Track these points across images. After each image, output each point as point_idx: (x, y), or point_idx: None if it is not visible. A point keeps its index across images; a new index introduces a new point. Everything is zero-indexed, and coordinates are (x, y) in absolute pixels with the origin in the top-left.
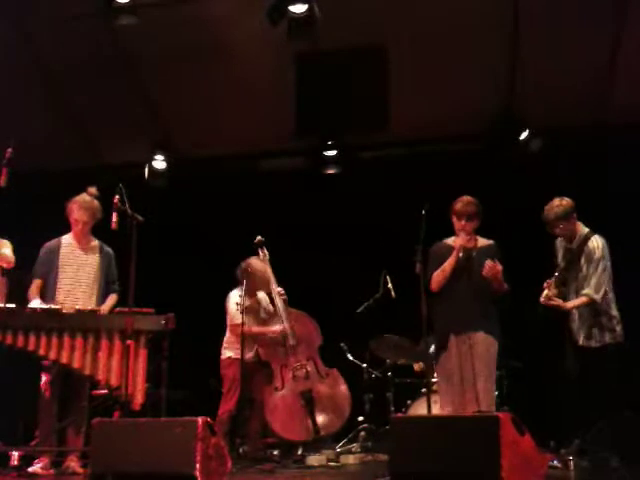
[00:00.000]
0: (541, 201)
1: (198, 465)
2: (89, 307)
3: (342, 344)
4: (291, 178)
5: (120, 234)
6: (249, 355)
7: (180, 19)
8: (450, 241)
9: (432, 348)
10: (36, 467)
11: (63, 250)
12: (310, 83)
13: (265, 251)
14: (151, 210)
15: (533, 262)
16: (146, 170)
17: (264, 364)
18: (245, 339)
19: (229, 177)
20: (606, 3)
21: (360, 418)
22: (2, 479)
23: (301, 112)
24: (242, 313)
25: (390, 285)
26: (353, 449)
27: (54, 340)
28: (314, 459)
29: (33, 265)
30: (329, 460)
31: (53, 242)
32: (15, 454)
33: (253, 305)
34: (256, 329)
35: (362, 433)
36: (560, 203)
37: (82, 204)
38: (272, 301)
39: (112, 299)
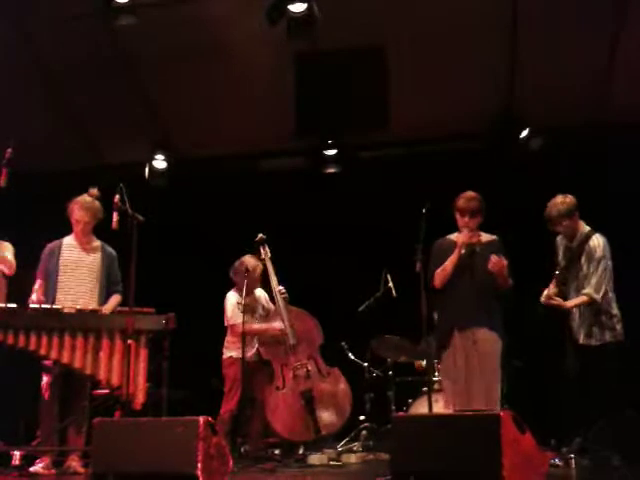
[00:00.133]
0: (540, 200)
1: (199, 465)
2: (90, 307)
3: (343, 343)
4: (291, 178)
5: (120, 234)
6: (250, 354)
7: (179, 19)
8: (453, 237)
9: (434, 346)
10: (37, 467)
11: (64, 251)
12: (310, 83)
13: (267, 249)
14: (151, 210)
15: (533, 261)
16: (146, 170)
17: (265, 363)
18: (247, 339)
19: (229, 177)
20: (605, 3)
21: (361, 417)
22: (4, 479)
23: (301, 112)
24: (243, 312)
25: (391, 284)
26: (354, 448)
27: (55, 340)
28: (315, 458)
29: (33, 265)
30: (330, 459)
31: (55, 243)
32: (17, 454)
33: (251, 303)
34: (256, 327)
35: (363, 432)
36: (564, 200)
37: (83, 204)
38: (273, 299)
39: (115, 299)
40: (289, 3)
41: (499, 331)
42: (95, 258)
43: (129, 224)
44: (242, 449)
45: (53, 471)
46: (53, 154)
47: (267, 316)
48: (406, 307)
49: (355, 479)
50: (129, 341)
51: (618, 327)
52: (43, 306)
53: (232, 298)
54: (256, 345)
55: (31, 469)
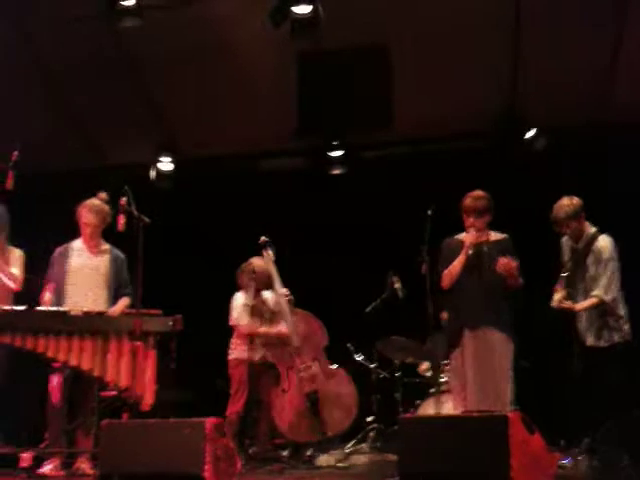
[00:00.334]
0: (543, 200)
1: (207, 466)
2: (97, 309)
3: (349, 345)
4: (294, 178)
5: (127, 236)
6: (257, 356)
7: (183, 21)
8: (461, 237)
9: (441, 347)
10: (46, 469)
11: (73, 254)
12: (313, 83)
13: (270, 251)
14: (156, 212)
15: (538, 262)
16: (151, 171)
17: (271, 365)
18: (252, 340)
19: (233, 177)
20: (607, 2)
21: (369, 418)
22: None
23: (304, 112)
24: (250, 314)
25: (397, 285)
26: (362, 449)
27: (63, 342)
28: (323, 460)
29: (36, 267)
30: (338, 461)
31: (63, 247)
32: (25, 456)
33: (258, 305)
34: (262, 330)
35: (371, 433)
36: (570, 202)
37: (92, 208)
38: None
39: (123, 302)
40: (292, 5)
41: (508, 331)
42: (103, 261)
43: (135, 226)
44: (250, 450)
45: (62, 473)
46: (56, 155)
47: (273, 319)
48: (412, 308)
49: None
50: (137, 343)
51: (625, 327)
52: (51, 308)
53: (239, 299)
54: (263, 348)
55: (40, 471)
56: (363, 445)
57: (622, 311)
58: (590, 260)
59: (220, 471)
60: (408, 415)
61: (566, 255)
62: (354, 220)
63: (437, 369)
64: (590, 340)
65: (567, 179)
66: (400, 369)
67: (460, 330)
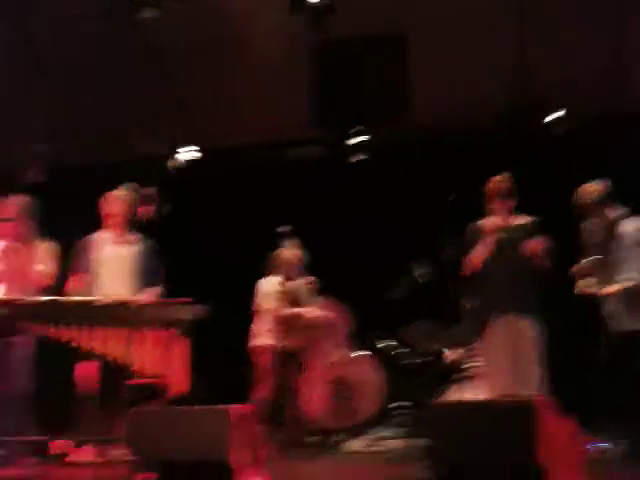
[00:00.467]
0: (565, 185)
1: (234, 453)
2: (128, 298)
3: (374, 330)
4: (314, 167)
5: (151, 226)
6: (282, 343)
7: (203, 11)
8: (485, 222)
9: (468, 333)
10: (78, 456)
11: (99, 244)
12: (330, 71)
13: (293, 240)
14: (179, 202)
15: (560, 247)
16: (172, 162)
17: (297, 351)
18: (279, 326)
19: (254, 167)
20: None
21: (396, 404)
22: (44, 469)
23: (322, 101)
24: (281, 300)
25: (421, 271)
26: (390, 435)
27: (90, 331)
28: (352, 445)
29: (63, 260)
30: (367, 446)
31: (89, 237)
32: (57, 443)
33: (285, 293)
34: (288, 312)
35: (398, 419)
36: (595, 188)
37: (118, 198)
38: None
39: (154, 291)
40: None
41: (535, 316)
42: (131, 251)
43: (159, 217)
44: (278, 437)
45: (94, 460)
46: (80, 148)
47: (299, 306)
48: (437, 295)
49: (392, 465)
50: (166, 331)
51: None
52: (79, 298)
53: (265, 284)
54: (287, 334)
55: (71, 459)
56: (391, 430)
57: None
58: (614, 244)
59: (247, 458)
60: (435, 400)
61: (589, 240)
62: (375, 208)
63: (464, 355)
64: (626, 324)
65: (588, 163)
66: (426, 355)
67: (487, 316)
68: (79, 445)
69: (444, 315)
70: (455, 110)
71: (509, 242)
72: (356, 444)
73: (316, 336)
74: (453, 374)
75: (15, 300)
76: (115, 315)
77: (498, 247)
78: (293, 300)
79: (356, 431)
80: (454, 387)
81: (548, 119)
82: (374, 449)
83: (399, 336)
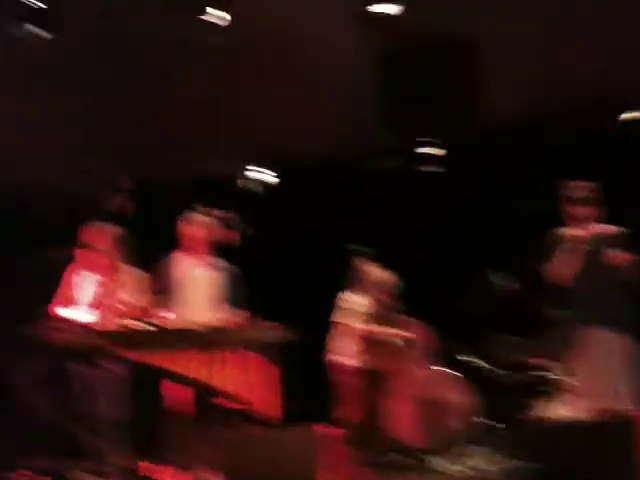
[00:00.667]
0: None
1: (321, 473)
2: (215, 323)
3: (457, 346)
4: (387, 178)
5: (231, 248)
6: (365, 361)
7: (266, 30)
8: (565, 231)
9: (556, 345)
10: (167, 477)
11: (181, 265)
12: (397, 81)
13: (367, 262)
14: (258, 221)
15: None
16: (243, 181)
17: (383, 372)
18: (366, 346)
19: (322, 182)
20: None
21: (485, 421)
22: None
23: (390, 111)
24: (366, 319)
25: (501, 282)
26: (478, 452)
27: (183, 356)
28: (440, 464)
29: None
30: (456, 465)
31: (169, 259)
32: (147, 466)
33: (369, 310)
34: (378, 330)
35: (486, 436)
36: None
37: (199, 222)
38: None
39: (238, 315)
40: (376, 3)
41: (625, 329)
42: (215, 275)
43: (239, 237)
44: (364, 457)
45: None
46: (153, 169)
47: (382, 324)
48: (521, 305)
49: None
50: (254, 354)
51: None
52: (168, 323)
53: (347, 300)
54: (372, 352)
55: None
56: (479, 448)
57: None
58: None
59: (334, 478)
60: (528, 417)
61: None
62: (450, 217)
63: (552, 368)
64: None
65: None
66: (513, 368)
67: (576, 329)
68: (172, 466)
69: (528, 327)
70: (528, 112)
71: (595, 253)
72: (444, 463)
73: (401, 355)
74: (541, 389)
75: (107, 328)
76: (203, 339)
77: (584, 259)
78: (379, 320)
79: (444, 450)
80: (543, 402)
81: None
82: (462, 468)
83: (482, 350)
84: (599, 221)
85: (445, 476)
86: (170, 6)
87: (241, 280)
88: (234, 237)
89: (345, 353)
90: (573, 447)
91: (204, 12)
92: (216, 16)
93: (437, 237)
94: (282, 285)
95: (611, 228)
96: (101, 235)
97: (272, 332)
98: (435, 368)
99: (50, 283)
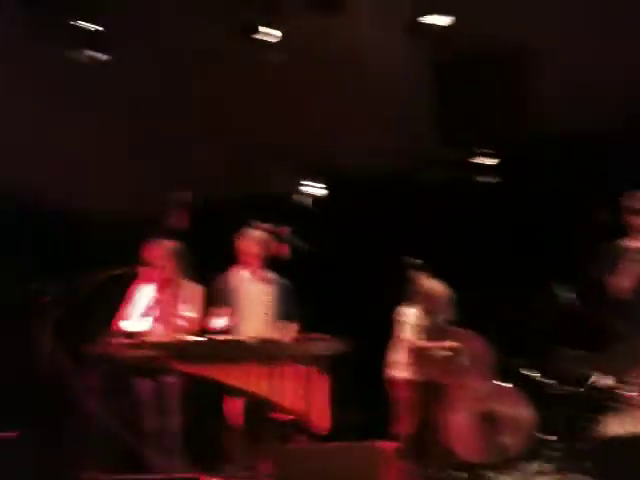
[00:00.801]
0: None
1: None
2: (269, 336)
3: (517, 360)
4: (443, 190)
5: (286, 262)
6: (424, 376)
7: (320, 42)
8: (626, 242)
9: (624, 359)
10: None
11: (238, 282)
12: (451, 91)
13: (423, 274)
14: (311, 237)
15: None
16: (303, 197)
17: (440, 385)
18: (419, 359)
19: (377, 195)
20: None
21: (548, 437)
22: None
23: (445, 122)
24: (419, 332)
25: (564, 294)
26: (544, 469)
27: (238, 369)
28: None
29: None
30: None
31: (228, 274)
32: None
33: (428, 325)
34: (428, 344)
35: (551, 452)
36: None
37: (253, 237)
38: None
39: (292, 329)
40: (427, 14)
41: None
42: (269, 289)
43: (298, 253)
44: (422, 473)
45: None
46: (212, 187)
47: (439, 338)
48: (585, 318)
49: None
50: (309, 367)
51: None
52: (226, 337)
53: (406, 312)
54: (429, 367)
55: None
56: (545, 465)
57: None
58: None
59: None
60: (598, 434)
61: None
62: (510, 227)
63: (618, 383)
64: None
65: None
66: (577, 383)
67: (638, 341)
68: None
69: (591, 341)
70: (583, 119)
71: None
72: (502, 478)
73: (458, 368)
74: (606, 404)
75: (166, 341)
76: (258, 352)
77: None
78: (433, 332)
79: (504, 466)
80: (609, 418)
81: None
82: None
83: (545, 365)
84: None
85: None
86: (222, 23)
87: (293, 293)
88: (285, 251)
89: (400, 367)
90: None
91: (256, 30)
92: (267, 33)
93: (497, 249)
94: (337, 299)
95: None
96: (160, 251)
97: (326, 345)
98: (494, 381)
99: (114, 301)
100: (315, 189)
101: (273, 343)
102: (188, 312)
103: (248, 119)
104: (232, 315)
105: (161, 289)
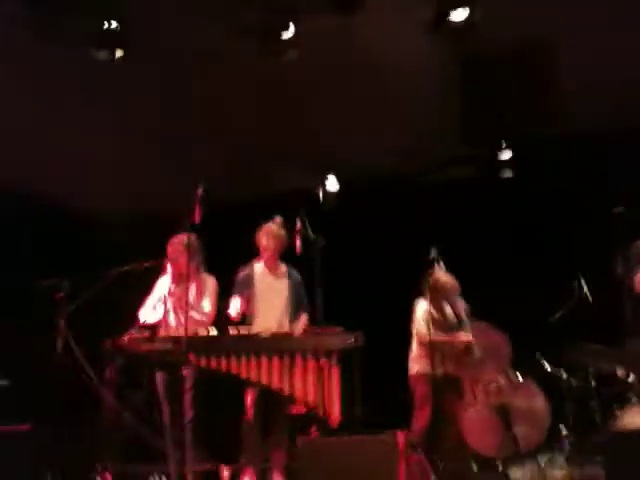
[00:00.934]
0: None
1: None
2: (283, 330)
3: (537, 354)
4: (464, 187)
5: (304, 258)
6: (439, 370)
7: (338, 39)
8: None
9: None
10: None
11: (256, 276)
12: (474, 88)
13: (438, 266)
14: (329, 231)
15: None
16: (319, 194)
17: (454, 379)
18: (435, 353)
19: (400, 192)
20: None
21: (563, 430)
22: None
23: (468, 119)
24: (430, 326)
25: (586, 289)
26: (558, 463)
27: (253, 362)
28: (518, 474)
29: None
30: (533, 475)
31: (247, 269)
32: (225, 471)
33: (439, 318)
34: (441, 337)
35: (566, 446)
36: None
37: (270, 233)
38: (455, 312)
39: (303, 320)
40: (450, 9)
41: None
42: (284, 283)
43: (312, 248)
44: (439, 466)
45: None
46: (228, 186)
47: (453, 331)
48: (602, 312)
49: None
50: (321, 360)
51: None
52: (241, 332)
53: (419, 306)
54: (444, 361)
55: None
56: (559, 458)
57: None
58: None
59: None
60: (614, 427)
61: None
62: (534, 223)
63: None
64: None
65: None
66: (594, 377)
67: None
68: (244, 472)
69: (610, 336)
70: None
71: None
72: (521, 473)
73: (474, 362)
74: (628, 397)
75: (183, 335)
76: (279, 346)
77: None
78: (447, 325)
79: (521, 459)
80: (631, 411)
81: None
82: (543, 477)
83: (564, 359)
84: None
85: None
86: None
87: (302, 286)
88: (300, 245)
89: (416, 360)
90: None
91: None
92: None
93: (517, 245)
94: (355, 293)
95: None
96: (174, 245)
97: (338, 338)
98: (509, 375)
99: (139, 295)
100: (334, 186)
101: (286, 337)
102: (206, 303)
103: (258, 119)
104: (249, 304)
105: (175, 282)
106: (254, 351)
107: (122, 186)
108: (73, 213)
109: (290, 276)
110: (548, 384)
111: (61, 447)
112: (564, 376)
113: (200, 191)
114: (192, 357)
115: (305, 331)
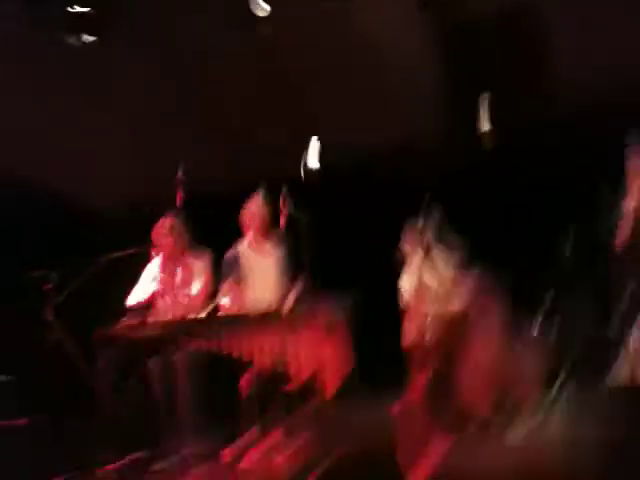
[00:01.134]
0: None
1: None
2: (274, 306)
3: (530, 313)
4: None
5: (290, 234)
6: (428, 337)
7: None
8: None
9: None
10: (243, 463)
11: (242, 257)
12: (460, 60)
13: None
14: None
15: None
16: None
17: (448, 342)
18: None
19: (389, 169)
20: None
21: (556, 389)
22: (215, 476)
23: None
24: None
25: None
26: (553, 421)
27: (245, 342)
28: (511, 435)
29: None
30: (529, 435)
31: (232, 251)
32: (227, 451)
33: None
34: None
35: (561, 405)
36: None
37: (249, 209)
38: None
39: (296, 288)
40: None
41: None
42: (271, 260)
43: (296, 224)
44: (438, 430)
45: (256, 464)
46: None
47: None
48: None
49: (554, 454)
50: (314, 332)
51: None
52: (230, 313)
53: (402, 277)
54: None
55: (240, 465)
56: (554, 416)
57: None
58: None
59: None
60: (603, 385)
61: None
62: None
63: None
64: None
65: None
66: (587, 337)
67: None
68: (245, 452)
69: (603, 297)
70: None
71: None
72: (516, 434)
73: (467, 325)
74: (615, 356)
75: (174, 318)
76: (269, 324)
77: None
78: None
79: (514, 419)
80: (616, 369)
81: None
82: (536, 438)
83: (555, 318)
84: None
85: (518, 446)
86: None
87: (293, 253)
88: (284, 222)
89: (409, 329)
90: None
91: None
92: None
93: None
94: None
95: None
96: (157, 229)
97: (333, 308)
98: (507, 337)
99: (128, 283)
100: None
101: (276, 314)
102: (194, 286)
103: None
104: (239, 286)
105: (163, 266)
106: (246, 330)
107: (122, 186)
108: (73, 207)
109: (281, 243)
110: (540, 343)
111: (59, 439)
112: (556, 335)
113: (180, 174)
114: (182, 341)
115: (297, 301)
